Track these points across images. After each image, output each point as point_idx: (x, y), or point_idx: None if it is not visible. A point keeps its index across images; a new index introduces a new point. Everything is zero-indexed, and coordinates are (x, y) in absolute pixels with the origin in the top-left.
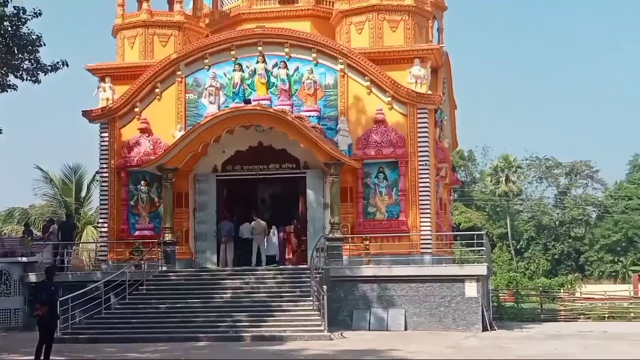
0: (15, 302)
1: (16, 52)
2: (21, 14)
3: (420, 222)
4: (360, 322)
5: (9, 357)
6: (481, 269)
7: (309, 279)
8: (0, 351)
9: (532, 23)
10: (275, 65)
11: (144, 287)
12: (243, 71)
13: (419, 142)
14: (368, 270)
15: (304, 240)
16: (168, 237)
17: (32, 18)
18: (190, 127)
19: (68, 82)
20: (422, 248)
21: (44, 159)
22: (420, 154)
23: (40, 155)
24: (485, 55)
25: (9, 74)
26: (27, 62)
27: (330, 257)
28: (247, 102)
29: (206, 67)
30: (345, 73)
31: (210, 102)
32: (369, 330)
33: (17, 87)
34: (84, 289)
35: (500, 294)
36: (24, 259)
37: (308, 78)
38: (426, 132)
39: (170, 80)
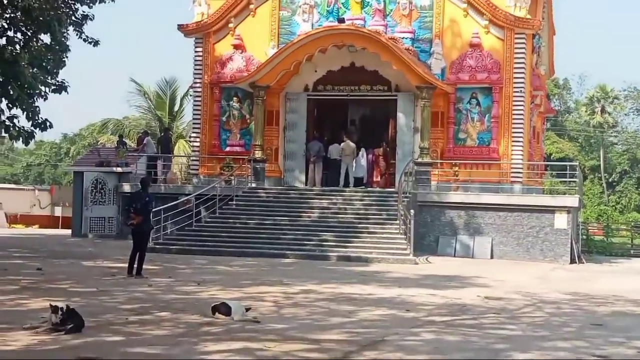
0: (110, 211)
1: None
2: None
3: (512, 150)
4: (446, 248)
5: (103, 263)
6: (572, 201)
7: (396, 203)
8: (94, 258)
9: None
10: None
11: (234, 202)
12: None
13: (515, 68)
14: (456, 197)
15: (392, 163)
16: (258, 154)
17: None
18: (283, 45)
19: None
20: (512, 177)
21: (138, 72)
22: (515, 80)
23: (135, 68)
24: None
25: None
26: None
27: (419, 181)
28: (341, 21)
29: None
30: None
31: (304, 20)
32: (455, 256)
33: None
34: (176, 202)
35: (589, 227)
36: (119, 169)
37: None
38: (523, 57)
39: None
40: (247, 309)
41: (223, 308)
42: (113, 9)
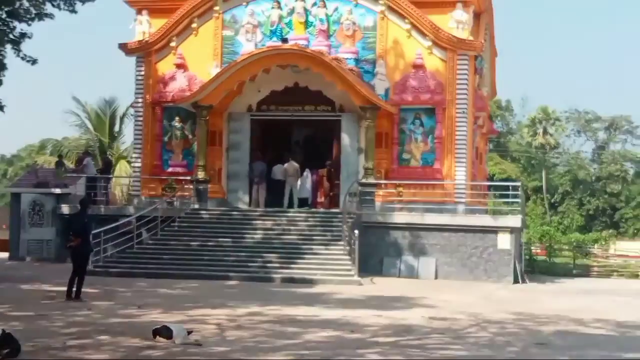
0: (48, 233)
1: None
2: None
3: (455, 170)
4: (390, 269)
5: (42, 287)
6: (515, 221)
7: (340, 223)
8: (32, 281)
9: None
10: (314, 4)
11: (176, 224)
12: (281, 9)
13: (458, 89)
14: (400, 217)
15: (336, 184)
16: (201, 175)
17: None
18: (226, 65)
19: (106, 13)
20: (455, 197)
21: (78, 91)
22: (458, 101)
23: (75, 87)
24: (528, 3)
25: (46, 2)
26: None
27: (363, 202)
28: (285, 41)
29: (244, 3)
30: (385, 15)
31: (247, 40)
32: (399, 277)
33: (54, 16)
34: (117, 223)
35: (532, 248)
36: (58, 191)
37: (347, 19)
38: (465, 79)
39: (207, 15)
40: (189, 332)
41: (164, 331)
42: (51, 25)
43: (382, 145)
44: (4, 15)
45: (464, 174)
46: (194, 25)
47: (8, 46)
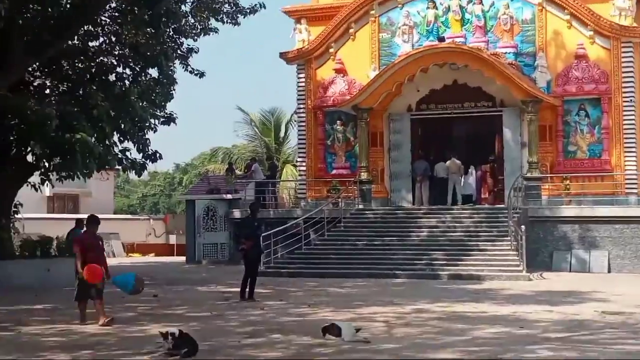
0: (221, 237)
1: None
2: None
3: (625, 161)
4: (560, 263)
5: (217, 288)
6: None
7: (506, 219)
8: (208, 283)
9: None
10: (470, 1)
11: (342, 224)
12: (437, 8)
13: (624, 77)
14: (569, 211)
15: (500, 179)
16: (364, 175)
17: None
18: (384, 67)
19: (266, 24)
20: (626, 188)
21: (244, 100)
22: (624, 89)
23: (241, 96)
24: None
25: (210, 17)
26: (226, 5)
27: (528, 196)
28: (441, 39)
29: (399, 5)
30: (543, 7)
31: (404, 41)
32: (570, 272)
33: (218, 30)
34: (285, 226)
35: None
36: (229, 196)
37: (504, 13)
38: (631, 66)
39: (363, 20)
40: (358, 330)
41: (333, 329)
42: (217, 40)
43: (546, 139)
44: (171, 33)
45: (635, 164)
46: (351, 30)
47: (177, 62)
